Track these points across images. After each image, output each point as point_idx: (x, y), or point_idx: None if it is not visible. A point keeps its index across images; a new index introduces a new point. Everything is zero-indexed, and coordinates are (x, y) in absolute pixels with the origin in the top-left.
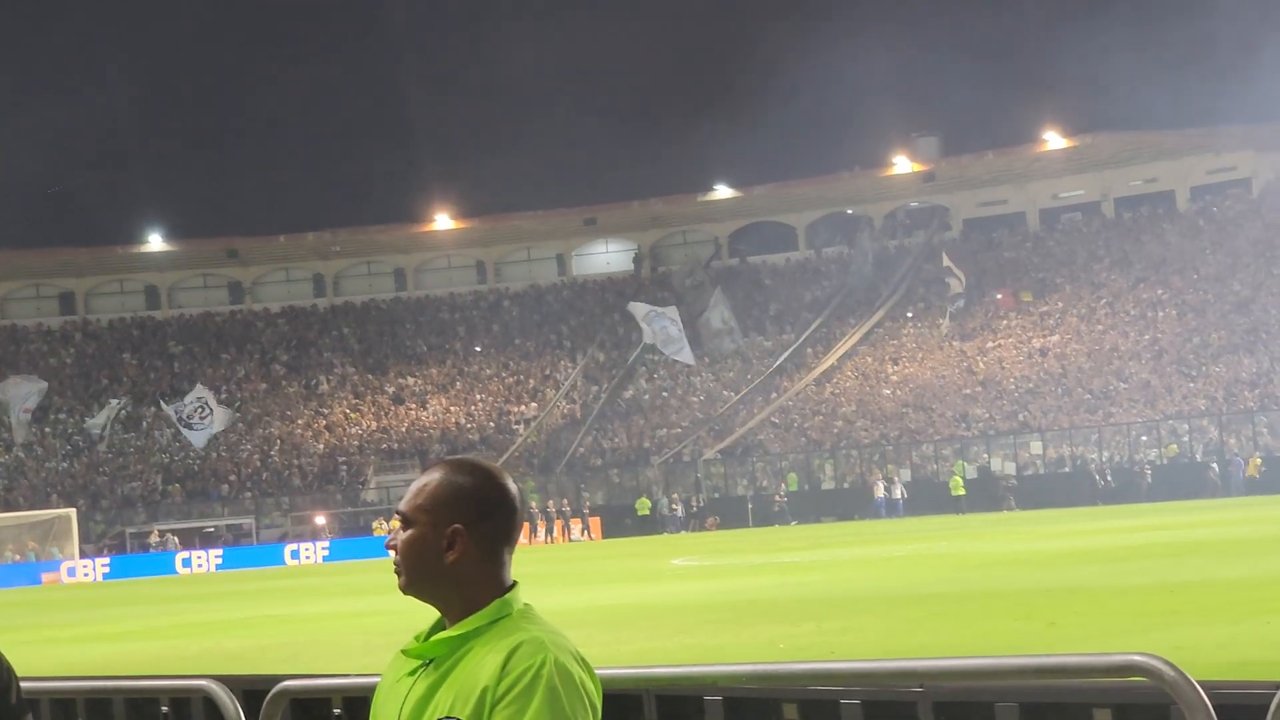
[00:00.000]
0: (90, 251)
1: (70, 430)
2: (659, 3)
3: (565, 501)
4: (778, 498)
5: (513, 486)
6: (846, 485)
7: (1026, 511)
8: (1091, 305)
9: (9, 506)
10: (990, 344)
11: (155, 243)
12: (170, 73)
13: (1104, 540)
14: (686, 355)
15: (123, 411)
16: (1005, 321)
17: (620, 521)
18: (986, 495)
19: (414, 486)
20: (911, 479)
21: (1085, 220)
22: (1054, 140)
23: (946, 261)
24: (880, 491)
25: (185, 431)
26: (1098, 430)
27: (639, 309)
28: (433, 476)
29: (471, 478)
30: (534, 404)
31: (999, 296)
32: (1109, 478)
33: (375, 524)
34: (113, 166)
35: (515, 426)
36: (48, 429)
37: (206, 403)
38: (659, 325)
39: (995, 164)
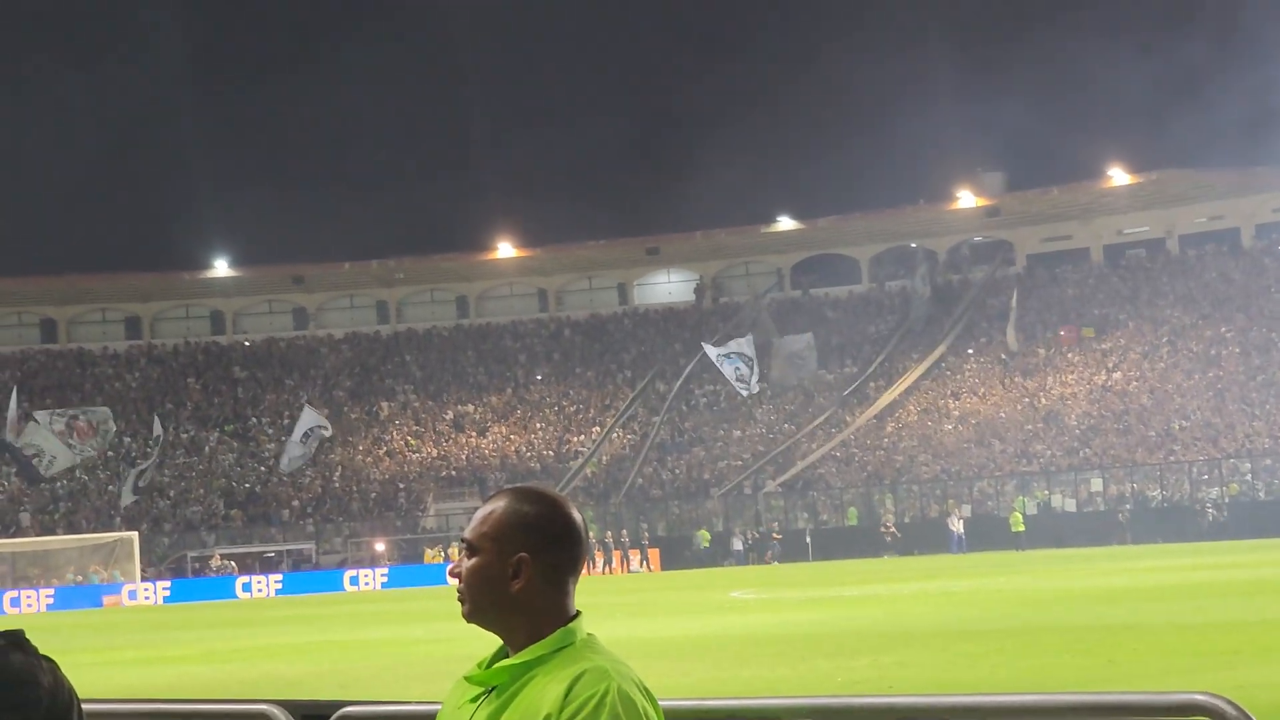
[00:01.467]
0: (157, 277)
1: (134, 454)
2: (724, 32)
3: (624, 532)
4: (884, 528)
5: (577, 516)
6: (907, 520)
7: (1084, 549)
8: (1154, 342)
9: (72, 529)
10: (1052, 380)
11: (221, 268)
12: (237, 100)
13: (1164, 578)
14: (755, 388)
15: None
16: (1068, 357)
17: (679, 553)
18: (1046, 531)
19: (479, 514)
20: (972, 514)
21: (1149, 257)
22: (1119, 176)
23: (1011, 325)
24: (955, 526)
25: (291, 454)
26: (1159, 468)
27: (712, 351)
28: (498, 504)
29: (537, 506)
30: (594, 433)
31: (1062, 333)
32: (1222, 514)
33: (429, 553)
34: (180, 192)
35: (575, 456)
36: (110, 452)
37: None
38: (731, 366)
39: (1060, 200)
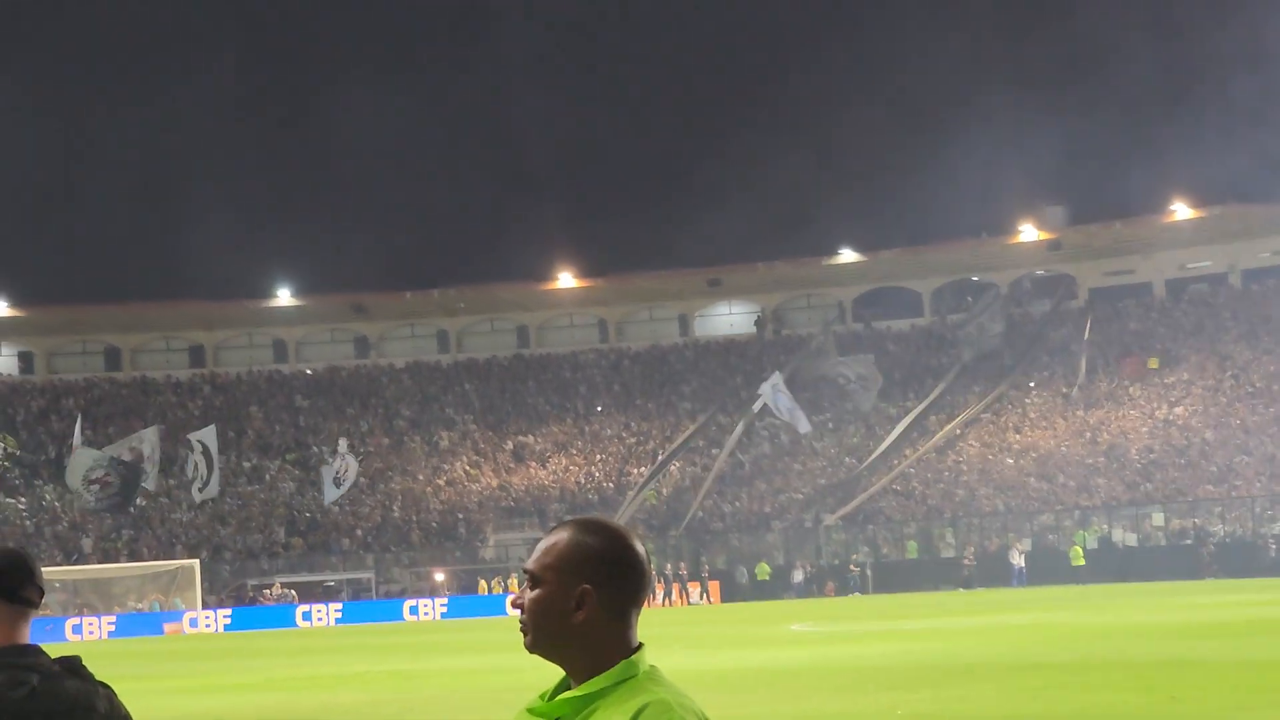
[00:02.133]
0: (220, 305)
1: (194, 479)
2: (785, 62)
3: (684, 564)
4: (966, 561)
5: (640, 548)
6: (965, 554)
7: (1146, 584)
8: (1218, 377)
9: (134, 556)
10: (1114, 414)
11: (284, 297)
12: (298, 130)
13: (1227, 614)
14: (804, 425)
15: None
16: (1130, 392)
17: (739, 585)
18: (1106, 566)
19: (542, 545)
20: (1032, 548)
21: (1212, 291)
22: (1182, 211)
23: (1075, 359)
24: (1016, 560)
25: (330, 489)
26: (1221, 502)
27: (767, 389)
28: (561, 536)
29: (600, 538)
30: (654, 465)
31: (1124, 367)
32: None
33: (494, 582)
34: (243, 222)
35: (634, 487)
36: (172, 480)
37: (344, 457)
38: (779, 401)
39: (1122, 234)
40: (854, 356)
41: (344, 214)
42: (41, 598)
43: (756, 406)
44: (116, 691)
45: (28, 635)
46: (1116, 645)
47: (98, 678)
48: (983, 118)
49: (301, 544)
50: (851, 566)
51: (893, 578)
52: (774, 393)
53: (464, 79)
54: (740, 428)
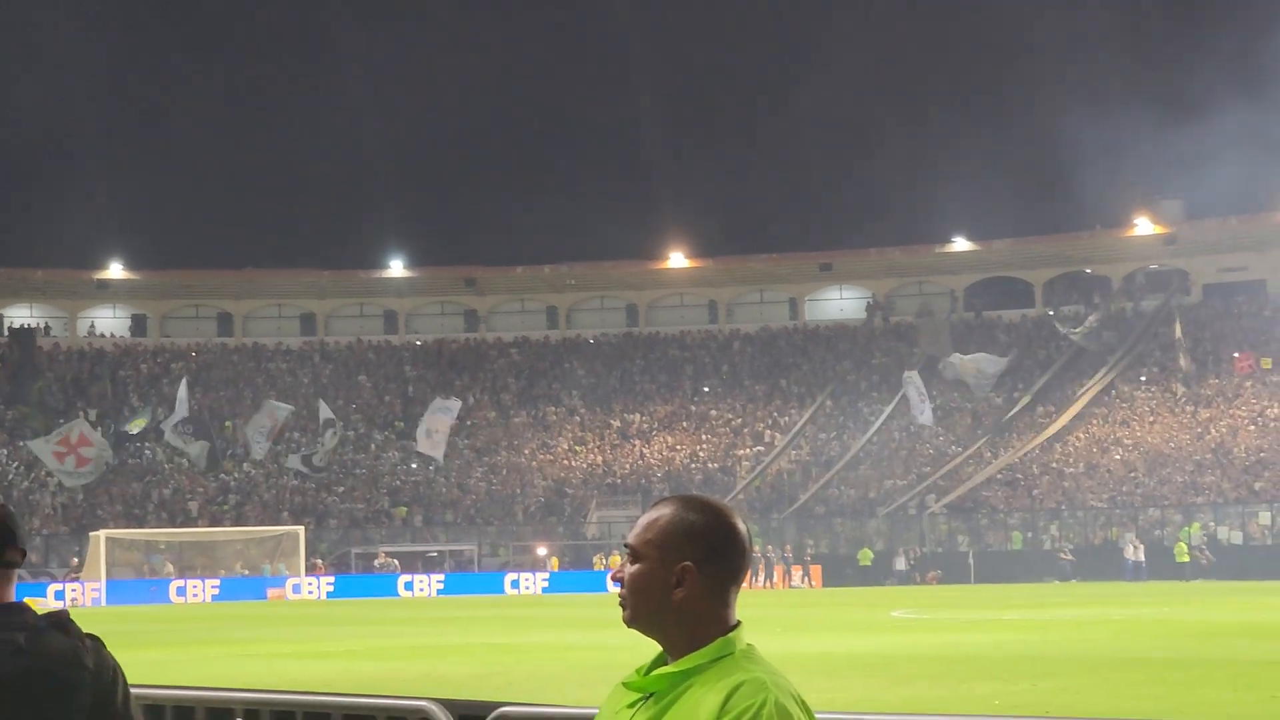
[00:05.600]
0: (333, 274)
1: (304, 449)
2: (907, 49)
3: (787, 547)
4: (1063, 556)
5: (742, 526)
6: (1071, 547)
7: (1255, 582)
8: None
9: (240, 521)
10: (1224, 411)
11: (396, 269)
12: (415, 106)
13: None
14: (928, 418)
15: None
16: (1241, 388)
17: (841, 571)
18: (1213, 563)
19: (643, 520)
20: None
21: None
22: None
23: (1181, 346)
24: (1130, 554)
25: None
26: None
27: (914, 381)
28: (663, 512)
29: (702, 515)
30: (760, 447)
31: (1236, 364)
32: None
33: (596, 558)
34: (359, 192)
35: (740, 469)
36: (280, 447)
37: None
38: (915, 391)
39: (1238, 229)
40: (983, 355)
41: (458, 188)
42: (24, 557)
43: (897, 399)
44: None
45: (13, 594)
46: (1220, 643)
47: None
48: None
49: (405, 514)
50: (1063, 555)
51: (997, 567)
52: (911, 387)
53: (581, 54)
54: (844, 409)
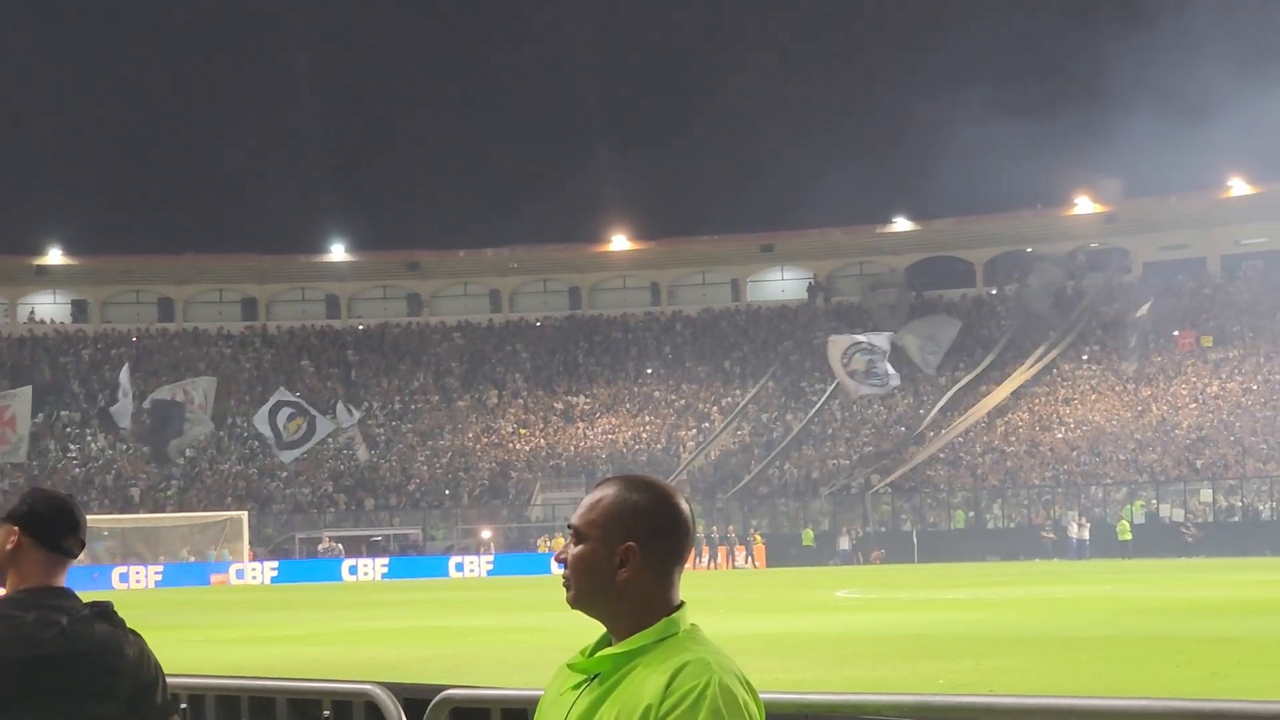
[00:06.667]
0: (274, 259)
1: (245, 434)
2: (842, 30)
3: (731, 528)
4: (1185, 529)
5: (685, 506)
6: (1013, 525)
7: (1194, 560)
8: (1270, 354)
9: (184, 507)
10: (1165, 389)
11: (338, 253)
12: (357, 87)
13: (1273, 591)
14: (895, 380)
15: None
16: (1182, 367)
17: (785, 551)
18: (1153, 541)
19: (587, 501)
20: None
21: (1268, 268)
22: (1239, 187)
23: (1127, 332)
24: (1074, 532)
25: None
26: (1270, 480)
27: (841, 341)
28: (607, 492)
29: (646, 495)
30: (703, 428)
31: (1177, 341)
32: None
33: (540, 541)
34: (299, 177)
35: (683, 450)
36: (222, 433)
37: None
38: (864, 358)
39: (1178, 208)
40: (939, 317)
41: (399, 171)
42: (81, 549)
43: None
44: (151, 641)
45: (63, 581)
46: (1161, 620)
47: (138, 628)
48: (1040, 87)
49: (348, 499)
50: (1065, 530)
51: (940, 546)
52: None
53: (525, 34)
54: (785, 390)
